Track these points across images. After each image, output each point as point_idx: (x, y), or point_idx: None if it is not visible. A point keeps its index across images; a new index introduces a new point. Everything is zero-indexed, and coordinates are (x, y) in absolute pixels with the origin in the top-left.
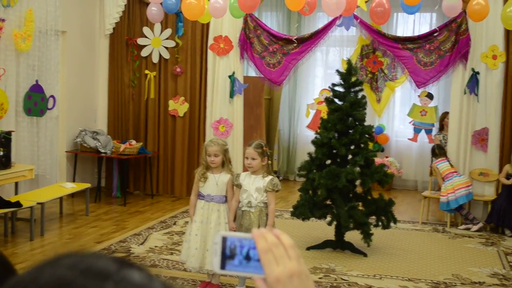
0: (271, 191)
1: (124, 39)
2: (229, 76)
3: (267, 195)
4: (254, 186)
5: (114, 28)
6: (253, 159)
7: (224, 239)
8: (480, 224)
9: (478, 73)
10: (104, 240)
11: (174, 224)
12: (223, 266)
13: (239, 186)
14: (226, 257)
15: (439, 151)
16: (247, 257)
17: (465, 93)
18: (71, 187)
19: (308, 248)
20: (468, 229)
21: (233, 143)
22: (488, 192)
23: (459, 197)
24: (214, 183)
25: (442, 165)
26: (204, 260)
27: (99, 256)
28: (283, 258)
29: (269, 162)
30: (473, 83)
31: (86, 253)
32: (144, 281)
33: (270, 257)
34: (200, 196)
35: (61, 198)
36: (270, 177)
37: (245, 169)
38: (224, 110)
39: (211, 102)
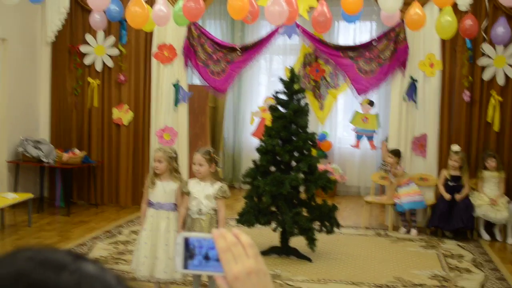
0: (221, 198)
1: (67, 47)
2: (174, 84)
3: (216, 202)
4: (204, 193)
5: (56, 36)
6: (201, 165)
7: (186, 240)
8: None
9: (416, 80)
10: None
11: (119, 233)
12: (185, 266)
13: (187, 193)
14: (187, 257)
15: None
16: (206, 257)
17: (404, 100)
18: (13, 197)
19: None
20: (408, 232)
21: (178, 151)
22: (428, 196)
23: (417, 201)
24: (162, 190)
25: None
26: (154, 269)
27: (55, 249)
28: (242, 257)
29: (218, 168)
30: (412, 90)
31: (43, 247)
32: (98, 272)
33: (229, 256)
34: (149, 203)
35: (2, 209)
36: (219, 184)
37: (192, 176)
38: (168, 118)
39: (155, 111)
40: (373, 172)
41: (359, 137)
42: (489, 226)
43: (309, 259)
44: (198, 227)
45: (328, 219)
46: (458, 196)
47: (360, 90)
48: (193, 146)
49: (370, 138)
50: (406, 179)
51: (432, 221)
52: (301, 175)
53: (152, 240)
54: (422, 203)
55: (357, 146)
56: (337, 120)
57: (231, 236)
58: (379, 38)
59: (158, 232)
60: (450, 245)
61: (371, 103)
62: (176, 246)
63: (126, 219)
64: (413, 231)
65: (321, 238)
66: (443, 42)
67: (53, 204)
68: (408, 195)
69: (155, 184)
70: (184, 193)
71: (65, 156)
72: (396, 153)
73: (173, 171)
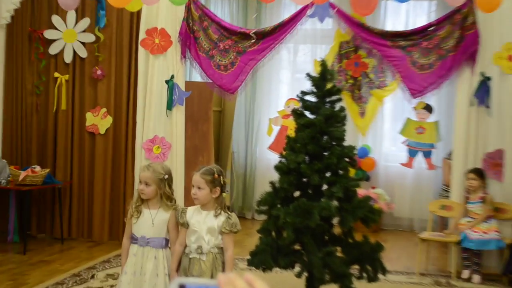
0: (228, 232)
1: (27, 31)
2: (167, 81)
3: (222, 238)
4: (206, 225)
5: (12, 17)
6: (200, 188)
7: None
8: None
9: (489, 78)
10: None
11: (92, 277)
12: None
13: (185, 225)
14: None
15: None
16: None
17: (472, 104)
18: None
19: None
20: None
21: (172, 169)
22: (505, 233)
23: (491, 240)
24: (149, 221)
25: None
26: None
27: None
28: None
29: (223, 194)
30: (483, 91)
31: None
32: None
33: None
34: (133, 239)
35: None
36: (225, 214)
37: (190, 202)
38: (159, 126)
39: (142, 116)
40: (431, 200)
41: (412, 153)
42: None
43: None
44: (198, 271)
45: (371, 262)
46: None
47: (415, 91)
48: (191, 163)
49: (427, 155)
50: (489, 211)
51: (509, 267)
52: (335, 203)
53: (135, 286)
54: (498, 242)
55: (409, 165)
56: (383, 130)
57: (242, 284)
58: (440, 22)
59: (142, 277)
60: None
61: (428, 109)
62: None
63: (101, 259)
64: (476, 277)
65: (361, 287)
66: None
67: (4, 239)
68: (482, 232)
69: (141, 213)
70: (180, 225)
71: (22, 175)
72: (480, 174)
73: (165, 197)
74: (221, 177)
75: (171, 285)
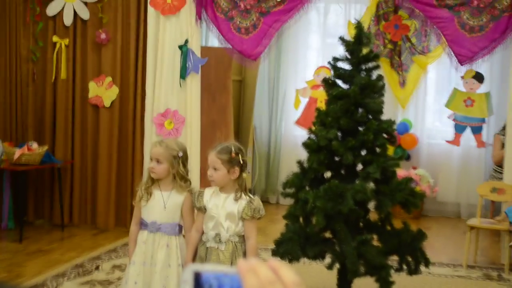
0: (250, 218)
1: None
2: (180, 47)
3: (243, 225)
4: (225, 210)
5: None
6: (215, 169)
7: (197, 277)
8: None
9: None
10: None
11: (97, 269)
12: None
13: (202, 210)
14: None
15: None
16: None
17: None
18: None
19: None
20: None
21: (187, 146)
22: None
23: None
24: (161, 204)
25: None
26: None
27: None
28: None
29: (244, 175)
30: None
31: None
32: None
33: None
34: (142, 224)
35: None
36: (246, 198)
37: (206, 184)
38: (172, 98)
39: (152, 86)
40: (481, 182)
41: (459, 128)
42: None
43: None
44: (215, 261)
45: (411, 252)
46: None
47: (463, 57)
48: (208, 140)
49: (476, 131)
50: None
51: None
52: (371, 185)
53: (144, 277)
54: None
55: (456, 142)
56: (426, 102)
57: (266, 271)
58: None
59: (153, 267)
60: None
61: (479, 78)
62: (181, 286)
63: (107, 248)
64: None
65: (400, 280)
66: None
67: None
68: None
69: (151, 195)
70: (197, 209)
71: (17, 153)
72: None
73: (179, 177)
74: (240, 155)
75: (185, 273)
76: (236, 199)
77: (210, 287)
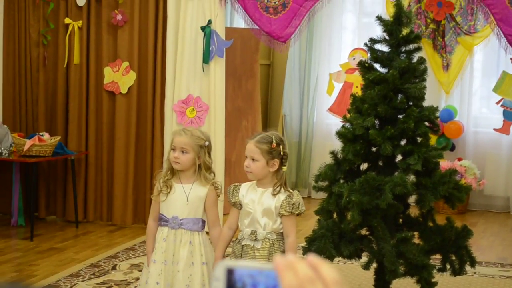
0: (289, 214)
1: None
2: (203, 28)
3: (282, 222)
4: (262, 206)
5: None
6: (254, 160)
7: (230, 273)
8: None
9: None
10: None
11: (113, 268)
12: None
13: (237, 205)
14: None
15: None
16: None
17: None
18: None
19: None
20: None
21: (211, 136)
22: None
23: None
24: (183, 198)
25: None
26: None
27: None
28: None
29: (284, 168)
30: None
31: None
32: None
33: None
34: (162, 220)
35: None
36: (285, 193)
37: (231, 177)
38: (194, 83)
39: (173, 71)
40: None
41: (509, 115)
42: None
43: None
44: (251, 260)
45: (456, 251)
46: None
47: None
48: (233, 129)
49: None
50: None
51: None
52: (412, 178)
53: (166, 277)
54: None
55: (505, 130)
56: (472, 87)
57: (305, 268)
58: None
59: (175, 266)
60: None
61: None
62: (213, 283)
63: (124, 246)
64: None
65: (443, 281)
66: None
67: (6, 222)
68: None
69: (172, 189)
70: (232, 205)
71: (27, 144)
72: None
73: (204, 169)
74: (281, 146)
75: (217, 269)
76: (274, 194)
77: (243, 285)
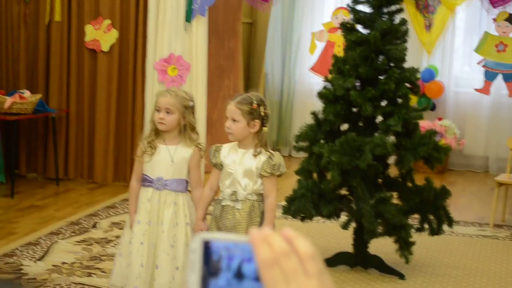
0: (270, 175)
1: None
2: None
3: (263, 183)
4: (243, 167)
5: None
6: (234, 120)
7: (206, 245)
8: None
9: None
10: None
11: (94, 226)
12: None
13: (218, 166)
14: (209, 273)
15: None
16: (239, 274)
17: None
18: None
19: None
20: None
21: (193, 95)
22: None
23: None
24: (167, 159)
25: None
26: (153, 284)
27: None
28: (298, 275)
29: (264, 129)
30: None
31: None
32: None
33: (277, 274)
34: (146, 181)
35: None
36: (266, 153)
37: (213, 137)
38: (176, 42)
39: (154, 29)
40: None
41: (490, 76)
42: None
43: (400, 275)
44: (231, 221)
45: (434, 211)
46: None
47: None
48: (215, 88)
49: (508, 78)
50: None
51: None
52: (392, 138)
53: (150, 238)
54: None
55: (486, 90)
56: (454, 47)
57: (280, 241)
58: None
59: (160, 226)
60: None
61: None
62: (190, 255)
63: (105, 204)
64: None
65: (421, 241)
66: None
67: None
68: None
69: (157, 149)
70: (214, 166)
71: (8, 102)
72: None
73: (190, 129)
74: (262, 107)
75: (194, 242)
76: (255, 155)
77: (219, 257)
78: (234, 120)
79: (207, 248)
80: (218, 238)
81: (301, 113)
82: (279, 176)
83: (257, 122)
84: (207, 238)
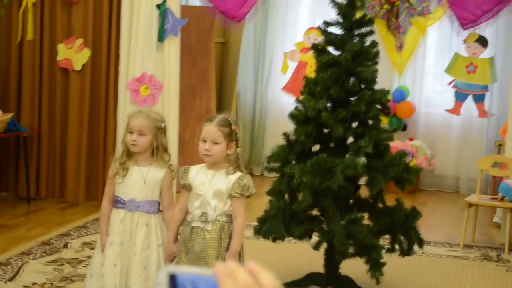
0: (239, 196)
1: None
2: (158, 6)
3: (232, 204)
4: (213, 188)
5: None
6: (216, 143)
7: (172, 279)
8: None
9: None
10: None
11: (65, 246)
12: None
13: (187, 187)
14: None
15: None
16: None
17: None
18: None
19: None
20: None
21: (164, 114)
22: None
23: None
24: (140, 180)
25: None
26: None
27: None
28: None
29: (239, 150)
30: None
31: None
32: None
33: None
34: (118, 202)
35: None
36: (237, 174)
37: (185, 158)
38: (148, 61)
39: (127, 49)
40: (482, 155)
41: (460, 96)
42: None
43: None
44: (201, 242)
45: (404, 232)
46: None
47: (466, 20)
48: (187, 107)
49: (478, 99)
50: None
51: None
52: (363, 160)
53: (122, 260)
54: None
55: (456, 111)
56: (425, 68)
57: (244, 275)
58: None
59: (132, 248)
60: None
61: (482, 42)
62: (155, 287)
63: (76, 224)
64: None
65: (392, 261)
66: None
67: None
68: None
69: (129, 171)
70: (182, 187)
71: None
72: None
73: (162, 150)
74: (236, 128)
75: (160, 275)
76: (226, 175)
77: None
78: (216, 143)
79: (172, 281)
80: (184, 271)
81: (273, 133)
82: (248, 197)
83: (233, 144)
84: (173, 271)
